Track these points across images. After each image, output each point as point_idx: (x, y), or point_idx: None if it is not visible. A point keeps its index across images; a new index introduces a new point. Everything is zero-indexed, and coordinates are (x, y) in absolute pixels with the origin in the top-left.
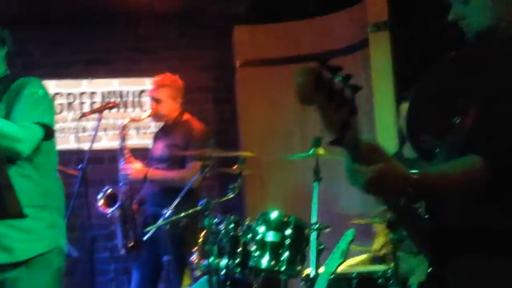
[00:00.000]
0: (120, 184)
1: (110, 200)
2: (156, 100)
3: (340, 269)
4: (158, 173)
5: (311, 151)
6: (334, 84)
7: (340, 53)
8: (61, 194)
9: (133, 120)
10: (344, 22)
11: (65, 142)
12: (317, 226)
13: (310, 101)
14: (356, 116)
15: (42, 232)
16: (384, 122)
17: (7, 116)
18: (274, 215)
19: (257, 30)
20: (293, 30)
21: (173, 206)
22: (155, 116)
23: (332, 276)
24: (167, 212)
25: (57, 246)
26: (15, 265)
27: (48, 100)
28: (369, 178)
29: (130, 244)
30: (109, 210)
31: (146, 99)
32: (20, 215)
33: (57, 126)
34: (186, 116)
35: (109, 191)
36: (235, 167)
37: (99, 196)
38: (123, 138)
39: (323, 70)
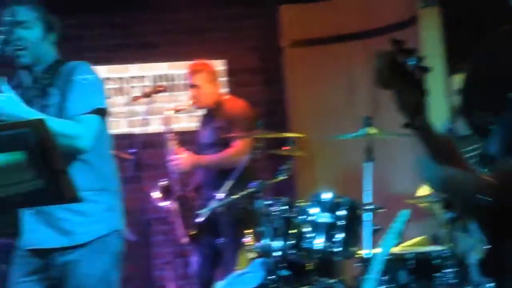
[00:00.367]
0: (172, 175)
1: (166, 192)
2: (194, 87)
3: (395, 250)
4: (207, 158)
5: (362, 131)
6: (408, 66)
7: (389, 30)
8: (117, 177)
9: (176, 110)
10: None
11: (116, 126)
12: (371, 206)
13: (386, 84)
14: (426, 98)
15: (101, 215)
16: (436, 99)
17: (61, 102)
18: (327, 196)
19: (304, 9)
20: (341, 8)
21: (226, 188)
22: (197, 103)
23: (387, 257)
24: (221, 194)
25: (115, 229)
26: (75, 248)
27: (99, 83)
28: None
29: (192, 233)
30: (166, 203)
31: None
32: (75, 199)
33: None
34: (227, 98)
35: (163, 183)
36: (285, 148)
37: (154, 192)
38: (169, 130)
39: (397, 52)
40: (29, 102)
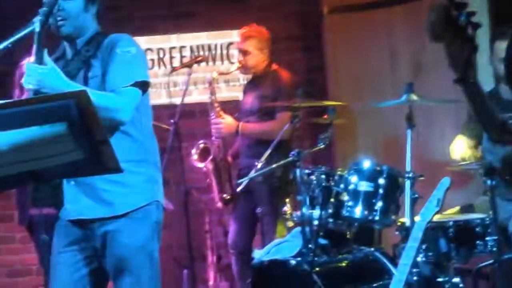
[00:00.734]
0: (213, 138)
1: (204, 154)
2: (244, 52)
3: (436, 218)
4: (249, 126)
5: (403, 98)
6: (461, 21)
7: None
8: (156, 148)
9: (221, 73)
10: None
11: (156, 97)
12: (411, 174)
13: (440, 37)
14: (475, 55)
15: (141, 185)
16: (480, 62)
17: (103, 75)
18: (366, 164)
19: None
20: None
21: (265, 157)
22: (243, 68)
23: (428, 225)
24: (259, 163)
25: (155, 199)
26: (116, 218)
27: (141, 56)
28: None
29: (227, 197)
30: (203, 164)
31: (235, 52)
32: (117, 169)
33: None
34: (274, 67)
35: (202, 145)
36: (325, 116)
37: (193, 151)
38: (212, 92)
39: (451, 5)
40: (71, 73)
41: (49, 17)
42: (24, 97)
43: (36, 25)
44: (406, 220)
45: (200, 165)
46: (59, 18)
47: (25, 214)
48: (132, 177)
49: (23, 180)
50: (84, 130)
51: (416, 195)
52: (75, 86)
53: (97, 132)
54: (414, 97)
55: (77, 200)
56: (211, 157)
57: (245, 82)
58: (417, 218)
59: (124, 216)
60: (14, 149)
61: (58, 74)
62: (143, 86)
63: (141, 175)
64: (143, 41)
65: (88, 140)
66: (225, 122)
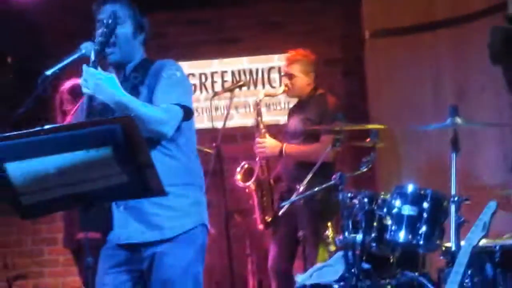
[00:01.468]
0: (257, 159)
1: (247, 175)
2: (289, 76)
3: (482, 242)
4: (292, 147)
5: (448, 121)
6: None
7: (476, 16)
8: (201, 172)
9: (267, 95)
10: None
11: (199, 121)
12: (456, 198)
13: (498, 58)
14: None
15: (188, 209)
16: None
17: (150, 98)
18: (410, 188)
19: None
20: None
21: (307, 180)
22: (289, 91)
23: (474, 250)
24: (301, 186)
25: (201, 223)
26: (163, 242)
27: (186, 81)
28: None
29: (268, 219)
30: (246, 184)
31: (276, 76)
32: (162, 192)
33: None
34: (320, 91)
35: (246, 166)
36: (368, 140)
37: (237, 170)
38: (258, 113)
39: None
40: None
41: (105, 46)
42: (68, 120)
43: (91, 54)
44: (451, 244)
45: (244, 184)
46: (109, 44)
47: (71, 237)
48: (179, 200)
49: (69, 203)
50: (129, 154)
51: (462, 219)
52: (129, 97)
53: (142, 155)
54: (458, 120)
55: (126, 225)
56: (254, 177)
57: (287, 106)
58: (462, 243)
59: (171, 240)
60: (61, 172)
61: (115, 81)
62: (187, 110)
63: (187, 198)
64: (186, 66)
65: (133, 164)
66: (269, 142)
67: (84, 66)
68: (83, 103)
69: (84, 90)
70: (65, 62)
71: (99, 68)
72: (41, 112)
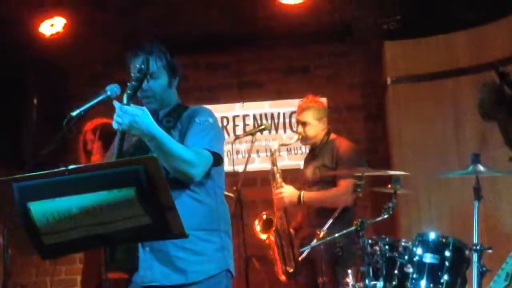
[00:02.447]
0: (275, 209)
1: (267, 225)
2: (302, 123)
3: None
4: (311, 195)
5: (470, 168)
6: None
7: (500, 64)
8: (229, 217)
9: (282, 145)
10: (504, 31)
11: None
12: (478, 247)
13: (491, 116)
14: None
15: (213, 254)
16: None
17: (181, 142)
18: (431, 236)
19: (409, 45)
20: (448, 43)
21: (327, 226)
22: (303, 139)
23: None
24: (321, 232)
25: (226, 268)
26: (188, 285)
27: (218, 128)
28: None
29: (290, 270)
30: (265, 236)
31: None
32: (182, 235)
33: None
34: (333, 136)
35: (265, 217)
36: (389, 186)
37: (256, 222)
38: (274, 162)
39: (503, 83)
40: None
41: (137, 91)
42: (92, 160)
43: (124, 97)
44: None
45: (263, 236)
46: (146, 96)
47: (90, 278)
48: (205, 245)
49: (91, 244)
50: (151, 195)
51: (484, 269)
52: (164, 133)
53: (164, 197)
54: (480, 167)
55: (151, 267)
56: (273, 228)
57: (306, 150)
58: None
59: (195, 284)
60: (84, 212)
61: (150, 116)
62: (217, 156)
63: (213, 243)
64: None
65: (155, 206)
66: (287, 191)
67: (116, 103)
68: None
69: (117, 126)
70: (90, 103)
71: (131, 105)
72: (64, 153)
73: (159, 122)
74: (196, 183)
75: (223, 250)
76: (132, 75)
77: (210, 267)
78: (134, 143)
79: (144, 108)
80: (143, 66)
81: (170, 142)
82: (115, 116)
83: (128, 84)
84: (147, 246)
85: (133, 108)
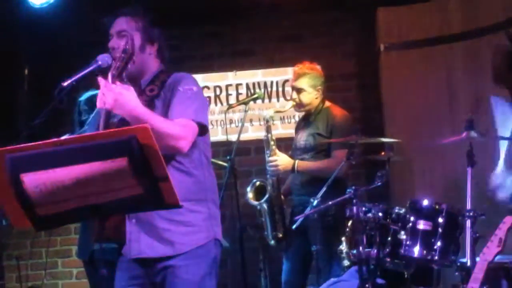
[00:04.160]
0: (268, 176)
1: (259, 192)
2: (297, 90)
3: (497, 258)
4: (305, 164)
5: (463, 135)
6: None
7: (489, 30)
8: (215, 186)
9: (277, 112)
10: None
11: (213, 134)
12: (471, 213)
13: (504, 80)
14: None
15: (200, 224)
16: None
17: (165, 112)
18: (425, 202)
19: (402, 11)
20: (440, 9)
21: (321, 194)
22: (297, 106)
23: (489, 266)
24: (315, 201)
25: (214, 237)
26: (176, 256)
27: (202, 96)
28: None
29: (280, 236)
30: (258, 203)
31: (290, 89)
32: (176, 205)
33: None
34: (328, 104)
35: (257, 183)
36: (382, 154)
37: (248, 189)
38: (268, 130)
39: None
40: None
41: (122, 72)
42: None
43: (109, 79)
44: (466, 260)
45: (256, 203)
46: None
47: (86, 248)
48: (192, 215)
49: (85, 214)
50: (144, 165)
51: (477, 235)
52: (148, 111)
53: (157, 168)
54: (474, 134)
55: (138, 239)
56: (267, 196)
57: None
58: (478, 258)
59: (184, 254)
60: (77, 183)
61: (134, 96)
62: (202, 127)
63: (200, 213)
64: (200, 79)
65: (148, 176)
66: (281, 160)
67: (101, 80)
68: (94, 117)
69: (101, 105)
70: (82, 73)
71: (117, 83)
72: (57, 124)
73: (141, 91)
74: (182, 154)
75: (210, 219)
76: (117, 54)
77: (198, 237)
78: (121, 119)
79: (131, 87)
80: (127, 46)
81: (154, 119)
82: (99, 94)
83: (112, 63)
84: (133, 218)
85: (117, 87)
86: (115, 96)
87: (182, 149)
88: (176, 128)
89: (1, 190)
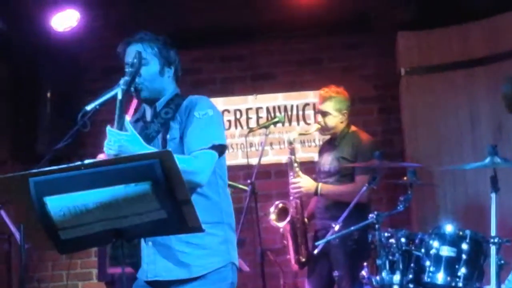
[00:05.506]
0: (291, 198)
1: (281, 214)
2: (323, 113)
3: None
4: (329, 187)
5: (487, 160)
6: None
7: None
8: (231, 210)
9: (301, 134)
10: None
11: (233, 157)
12: (496, 239)
13: None
14: None
15: (217, 247)
16: None
17: (181, 137)
18: (448, 228)
19: (423, 36)
20: (462, 34)
21: (343, 219)
22: (322, 129)
23: None
24: (336, 225)
25: (230, 261)
26: (192, 280)
27: (218, 118)
28: None
29: (303, 260)
30: (281, 224)
31: (310, 112)
32: (199, 229)
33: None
34: (353, 128)
35: (280, 205)
36: (405, 178)
37: (271, 210)
38: (292, 152)
39: None
40: (150, 136)
41: (131, 86)
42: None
43: (118, 92)
44: (491, 287)
45: (280, 225)
46: (136, 84)
47: (105, 271)
48: (208, 238)
49: (107, 238)
50: (167, 190)
51: (503, 261)
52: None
53: (180, 191)
54: (498, 159)
55: (154, 261)
56: (289, 217)
57: (320, 143)
58: (503, 286)
59: (200, 278)
60: (101, 207)
61: (138, 140)
62: (220, 148)
63: (217, 236)
64: (221, 102)
65: (171, 200)
66: (304, 182)
67: (108, 128)
68: None
69: (108, 151)
70: (105, 97)
71: (125, 122)
72: (80, 148)
73: (156, 114)
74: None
75: (226, 243)
76: (126, 69)
77: (214, 261)
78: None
79: (132, 130)
80: (135, 60)
81: None
82: (106, 141)
83: (122, 79)
84: (150, 241)
85: (119, 133)
86: (119, 142)
87: (201, 182)
88: (191, 163)
89: (25, 213)
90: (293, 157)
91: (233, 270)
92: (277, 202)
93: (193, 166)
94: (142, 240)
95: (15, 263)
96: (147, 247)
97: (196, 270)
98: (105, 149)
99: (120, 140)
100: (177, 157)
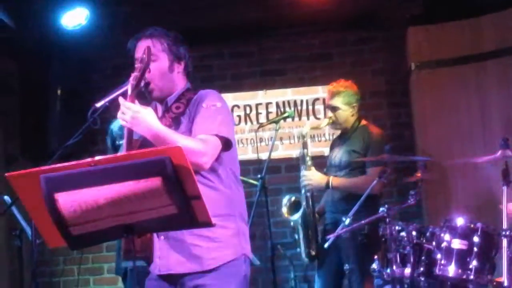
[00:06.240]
0: (302, 192)
1: (294, 208)
2: (332, 108)
3: None
4: (340, 180)
5: (499, 153)
6: None
7: None
8: (244, 202)
9: (313, 128)
10: None
11: (243, 152)
12: (508, 232)
13: None
14: None
15: (229, 240)
16: None
17: (190, 128)
18: (460, 221)
19: (433, 30)
20: (472, 27)
21: (353, 213)
22: (333, 124)
23: None
24: (347, 219)
25: (243, 253)
26: (205, 273)
27: (226, 111)
28: None
29: (313, 253)
30: (293, 218)
31: (320, 107)
32: (208, 224)
33: (235, 137)
34: (364, 122)
35: (293, 198)
36: (418, 175)
37: (283, 203)
38: (304, 146)
39: None
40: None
41: (140, 81)
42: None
43: (128, 89)
44: (503, 279)
45: (292, 218)
46: (146, 80)
47: (121, 266)
48: (220, 231)
49: (118, 233)
50: (178, 185)
51: None
52: (166, 129)
53: (190, 187)
54: (509, 152)
55: (167, 255)
56: (301, 210)
57: (332, 137)
58: None
59: (212, 271)
60: (111, 203)
61: (152, 114)
62: (225, 142)
63: (229, 229)
64: (231, 98)
65: (181, 195)
66: (314, 174)
67: (121, 99)
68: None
69: (122, 122)
70: (114, 94)
71: (136, 102)
72: (89, 143)
73: (168, 109)
74: (209, 170)
75: (239, 235)
76: (135, 65)
77: (227, 253)
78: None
79: (149, 107)
80: (144, 55)
81: (173, 136)
82: (119, 113)
83: (132, 74)
84: (162, 235)
85: (134, 106)
86: (133, 114)
87: (204, 164)
88: (197, 144)
89: (36, 209)
90: (305, 150)
91: (246, 262)
92: (289, 196)
93: (198, 147)
94: (155, 234)
95: (27, 258)
96: (159, 241)
97: (208, 263)
98: (119, 119)
99: (135, 112)
100: (183, 137)
